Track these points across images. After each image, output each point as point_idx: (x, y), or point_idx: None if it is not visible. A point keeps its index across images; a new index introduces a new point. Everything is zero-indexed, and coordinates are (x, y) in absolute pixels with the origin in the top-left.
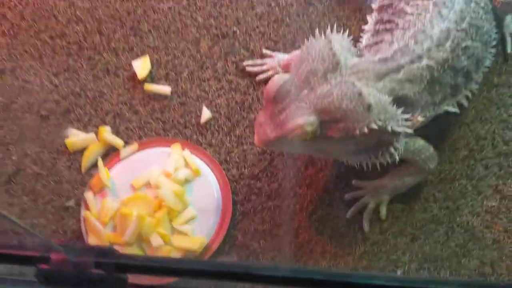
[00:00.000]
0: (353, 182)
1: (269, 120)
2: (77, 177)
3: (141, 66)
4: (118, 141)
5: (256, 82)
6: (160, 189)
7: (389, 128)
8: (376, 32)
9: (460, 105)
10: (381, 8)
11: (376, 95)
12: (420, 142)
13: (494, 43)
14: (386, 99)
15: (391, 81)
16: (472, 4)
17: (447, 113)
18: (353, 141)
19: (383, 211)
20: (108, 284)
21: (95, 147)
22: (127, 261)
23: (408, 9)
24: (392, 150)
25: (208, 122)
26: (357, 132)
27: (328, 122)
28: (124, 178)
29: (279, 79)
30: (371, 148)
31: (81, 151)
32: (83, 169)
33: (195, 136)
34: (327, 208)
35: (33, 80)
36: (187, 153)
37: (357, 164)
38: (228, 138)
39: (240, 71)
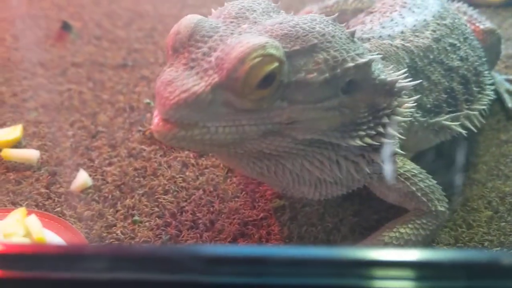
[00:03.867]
0: None
1: (186, 72)
2: None
3: (6, 132)
4: None
5: (166, 147)
6: None
7: (381, 75)
8: None
9: (466, 128)
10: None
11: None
12: (411, 164)
13: (487, 68)
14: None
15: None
16: (451, 12)
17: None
18: (337, 102)
19: None
20: None
21: None
22: None
23: (369, 17)
24: (389, 128)
25: (84, 191)
26: (346, 65)
27: (300, 54)
28: None
29: (191, 17)
30: (362, 121)
31: None
32: None
33: (59, 209)
34: None
35: None
36: (32, 220)
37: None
38: (111, 209)
39: (147, 138)
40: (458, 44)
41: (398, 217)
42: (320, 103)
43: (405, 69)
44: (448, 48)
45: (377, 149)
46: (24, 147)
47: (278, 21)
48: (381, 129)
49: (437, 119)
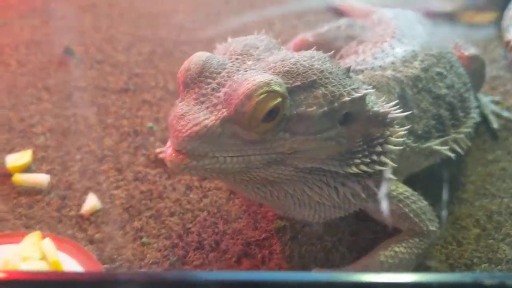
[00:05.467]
0: (313, 271)
1: (197, 106)
2: None
3: (16, 158)
4: None
5: (169, 171)
6: None
7: (374, 107)
8: None
9: (454, 151)
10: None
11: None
12: (403, 187)
13: (471, 93)
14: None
15: (353, 77)
16: (437, 41)
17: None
18: (334, 133)
19: None
20: None
21: None
22: None
23: (361, 47)
24: (382, 156)
25: (94, 214)
26: (342, 99)
27: (301, 89)
28: None
29: (201, 54)
30: (358, 150)
31: None
32: None
33: (70, 232)
34: None
35: None
36: (47, 243)
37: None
38: (120, 232)
39: (151, 162)
40: (445, 73)
41: (392, 237)
42: (320, 134)
43: (396, 100)
44: (436, 77)
45: (371, 175)
46: (34, 171)
47: (280, 58)
48: (375, 157)
49: (428, 144)
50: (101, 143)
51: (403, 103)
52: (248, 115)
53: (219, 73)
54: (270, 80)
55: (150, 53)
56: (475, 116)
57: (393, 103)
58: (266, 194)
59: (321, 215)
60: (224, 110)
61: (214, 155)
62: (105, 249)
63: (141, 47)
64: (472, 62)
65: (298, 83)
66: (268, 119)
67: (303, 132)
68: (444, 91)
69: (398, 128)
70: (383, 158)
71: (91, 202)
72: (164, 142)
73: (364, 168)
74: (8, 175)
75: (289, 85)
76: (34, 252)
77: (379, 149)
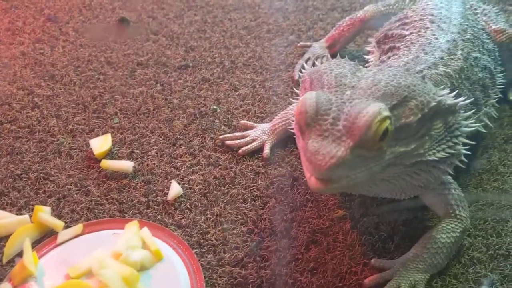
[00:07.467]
0: (373, 261)
1: (324, 141)
2: None
3: (100, 143)
4: (56, 223)
5: (238, 157)
6: (104, 271)
7: (448, 100)
8: (382, 62)
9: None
10: (379, 42)
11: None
12: None
13: (500, 68)
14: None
15: None
16: (470, 19)
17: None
18: (425, 129)
19: None
20: None
21: (24, 230)
22: None
23: (406, 32)
24: (460, 137)
25: (177, 200)
26: (430, 105)
27: (398, 106)
28: (59, 266)
29: (311, 95)
30: (441, 137)
31: (8, 237)
32: (5, 258)
33: (159, 217)
34: None
35: None
36: (146, 232)
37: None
38: (203, 217)
39: (220, 146)
40: (479, 55)
41: (432, 227)
42: (417, 134)
43: (456, 91)
44: (473, 63)
45: (446, 160)
46: (116, 154)
47: (371, 84)
48: (455, 140)
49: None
50: (172, 125)
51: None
52: (370, 140)
53: (330, 108)
54: (380, 109)
55: (201, 23)
56: (499, 89)
57: (454, 93)
58: (376, 189)
59: (407, 193)
60: (349, 140)
61: (348, 175)
62: (191, 234)
63: (191, 15)
64: (499, 36)
65: (395, 101)
66: (382, 138)
67: (405, 137)
68: (479, 75)
69: (464, 112)
70: (462, 139)
71: (175, 188)
72: (227, 125)
73: (450, 151)
74: (94, 159)
75: (389, 106)
76: (137, 242)
77: (457, 133)
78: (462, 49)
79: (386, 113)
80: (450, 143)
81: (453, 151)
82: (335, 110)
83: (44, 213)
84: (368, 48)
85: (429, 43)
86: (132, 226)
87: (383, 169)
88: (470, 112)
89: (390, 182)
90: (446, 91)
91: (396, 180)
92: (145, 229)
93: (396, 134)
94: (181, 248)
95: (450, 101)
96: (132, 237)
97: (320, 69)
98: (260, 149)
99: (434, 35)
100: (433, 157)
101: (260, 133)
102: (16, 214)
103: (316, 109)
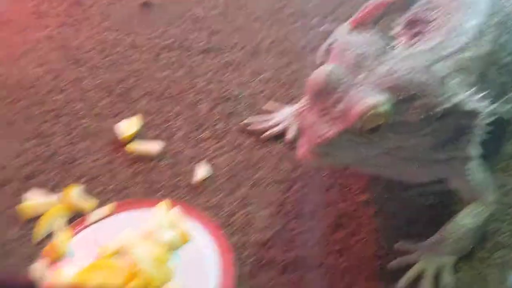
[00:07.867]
0: (397, 245)
1: (321, 118)
2: (28, 250)
3: (127, 126)
4: (88, 203)
5: (262, 140)
6: (134, 251)
7: (467, 105)
8: (410, 46)
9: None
10: (406, 27)
11: (445, 70)
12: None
13: None
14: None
15: (442, 67)
16: (497, 4)
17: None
18: (430, 129)
19: (447, 279)
20: None
21: (56, 210)
22: None
23: (433, 16)
24: (471, 136)
25: (204, 182)
26: (438, 109)
27: (402, 102)
28: (91, 246)
29: (324, 69)
30: (450, 138)
31: (38, 218)
32: (35, 238)
33: (187, 198)
34: (366, 281)
35: None
36: (175, 212)
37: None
38: (229, 199)
39: (244, 131)
40: (507, 39)
41: (458, 212)
42: (418, 132)
43: (484, 93)
44: (500, 48)
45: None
46: (141, 138)
47: (386, 72)
48: (465, 143)
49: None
50: (196, 109)
51: (480, 82)
52: (359, 129)
53: (337, 87)
54: (377, 102)
55: (224, 6)
56: None
57: (477, 96)
58: (385, 170)
59: (426, 178)
60: (341, 124)
61: (335, 155)
62: (218, 216)
63: None
64: None
65: (401, 97)
66: (373, 131)
67: (405, 132)
68: (506, 59)
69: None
70: (472, 142)
71: (201, 171)
72: (251, 110)
73: (455, 153)
74: (120, 142)
75: (393, 100)
76: (168, 222)
77: (468, 137)
78: (489, 34)
79: (383, 109)
80: (457, 146)
81: (459, 154)
82: (341, 91)
83: (75, 193)
84: (392, 32)
85: (456, 28)
86: (163, 206)
87: (376, 156)
88: (492, 107)
89: (398, 167)
90: (469, 93)
91: (403, 166)
92: (176, 209)
93: (395, 127)
94: (210, 229)
95: (469, 105)
96: (163, 217)
97: (348, 42)
98: (284, 133)
99: (461, 19)
100: (433, 157)
101: (284, 116)
102: (45, 195)
103: (325, 86)
